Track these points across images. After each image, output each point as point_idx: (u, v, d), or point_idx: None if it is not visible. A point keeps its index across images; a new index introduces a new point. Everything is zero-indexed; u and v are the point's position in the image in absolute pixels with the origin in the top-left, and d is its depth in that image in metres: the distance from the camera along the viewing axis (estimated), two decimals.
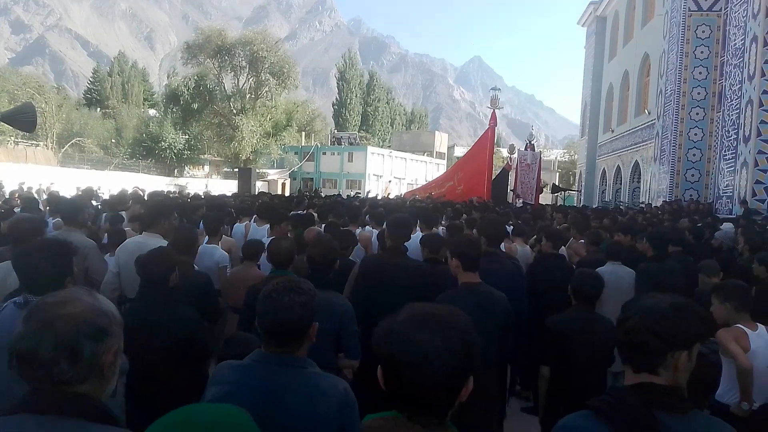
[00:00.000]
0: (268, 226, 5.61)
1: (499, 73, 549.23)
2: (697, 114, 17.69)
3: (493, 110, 20.67)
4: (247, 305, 3.13)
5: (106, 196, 12.39)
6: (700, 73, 17.61)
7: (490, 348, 3.01)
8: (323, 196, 18.22)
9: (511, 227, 6.75)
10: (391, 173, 47.00)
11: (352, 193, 24.35)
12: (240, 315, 3.33)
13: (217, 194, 15.66)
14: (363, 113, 75.96)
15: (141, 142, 41.17)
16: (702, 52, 17.59)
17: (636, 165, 23.65)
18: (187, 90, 35.34)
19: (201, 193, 16.12)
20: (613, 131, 27.52)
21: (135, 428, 1.33)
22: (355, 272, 3.87)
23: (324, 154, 47.74)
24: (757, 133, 12.60)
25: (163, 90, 42.72)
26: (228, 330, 3.81)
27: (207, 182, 35.95)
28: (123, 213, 6.70)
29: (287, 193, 31.96)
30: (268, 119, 36.56)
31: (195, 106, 35.79)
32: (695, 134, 17.76)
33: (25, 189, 15.54)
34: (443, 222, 7.34)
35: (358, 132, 63.41)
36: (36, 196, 13.30)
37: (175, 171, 40.78)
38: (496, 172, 20.98)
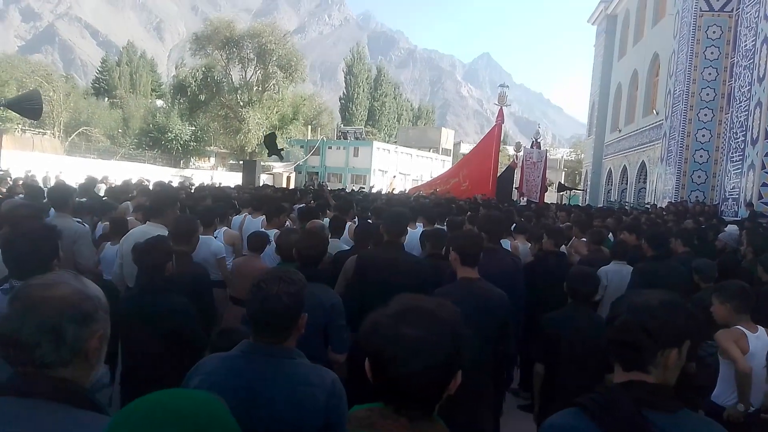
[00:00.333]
0: (263, 217, 5.60)
1: (508, 71, 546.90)
2: (706, 115, 17.56)
3: (501, 107, 20.62)
4: None
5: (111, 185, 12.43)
6: (710, 74, 17.46)
7: (485, 344, 2.99)
8: (329, 189, 18.22)
9: (514, 225, 6.75)
10: (396, 169, 46.96)
11: (357, 188, 24.36)
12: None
13: (217, 186, 15.66)
14: (370, 108, 75.85)
15: (148, 132, 41.26)
16: (712, 53, 17.44)
17: (642, 165, 23.52)
18: (195, 81, 35.43)
19: (205, 185, 16.14)
20: (620, 131, 27.36)
21: None
22: (347, 267, 3.87)
23: (330, 148, 47.75)
24: (765, 136, 12.49)
25: (171, 81, 42.77)
26: (226, 321, 3.83)
27: (212, 174, 36.04)
28: (128, 203, 6.72)
29: (292, 187, 31.96)
30: (274, 112, 36.62)
31: (202, 97, 35.88)
32: (703, 135, 17.64)
33: (31, 177, 15.60)
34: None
35: (365, 127, 63.36)
36: (42, 184, 13.36)
37: (181, 162, 40.87)
38: (501, 169, 20.93)
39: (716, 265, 4.51)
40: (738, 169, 13.78)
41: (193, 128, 40.52)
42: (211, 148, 44.69)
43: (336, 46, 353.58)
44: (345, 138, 49.95)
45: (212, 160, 47.17)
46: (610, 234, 7.23)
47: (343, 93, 77.11)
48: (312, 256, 3.02)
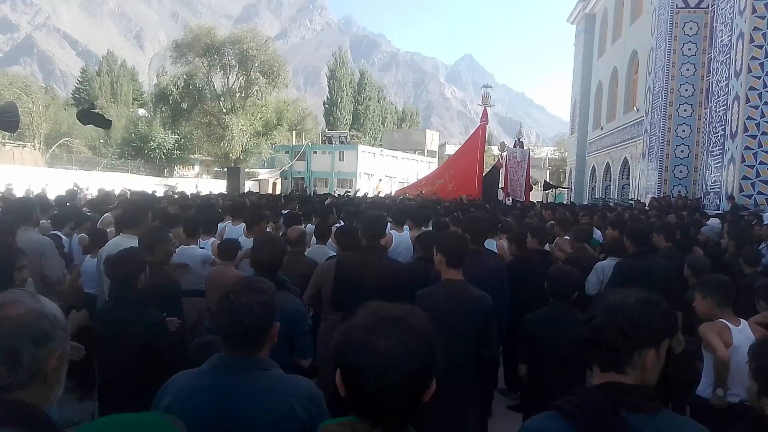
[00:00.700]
0: (244, 225, 5.54)
1: (490, 72, 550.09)
2: (685, 111, 17.77)
3: (485, 108, 20.68)
4: None
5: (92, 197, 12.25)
6: (688, 69, 17.68)
7: (468, 345, 2.98)
8: (313, 195, 18.13)
9: (500, 225, 6.75)
10: (382, 172, 46.95)
11: (343, 192, 24.29)
12: None
13: (194, 194, 15.47)
14: (354, 112, 75.88)
15: (130, 142, 40.81)
16: (690, 49, 17.67)
17: (625, 162, 23.74)
18: (176, 89, 35.14)
19: (189, 194, 15.98)
20: (602, 128, 27.62)
21: None
22: (318, 272, 3.83)
23: (315, 153, 47.63)
24: (744, 129, 12.66)
25: (153, 89, 42.40)
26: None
27: (197, 182, 35.72)
28: (109, 214, 6.62)
29: (278, 193, 31.82)
30: (258, 118, 36.42)
31: (184, 105, 35.59)
32: (683, 131, 17.85)
33: (13, 190, 15.33)
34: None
35: (349, 131, 63.32)
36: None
37: (165, 171, 40.50)
38: (487, 169, 21.00)
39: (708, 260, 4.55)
40: (718, 163, 13.96)
41: (176, 136, 40.18)
42: (195, 156, 44.32)
43: (318, 51, 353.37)
44: (330, 142, 49.85)
45: (197, 168, 46.80)
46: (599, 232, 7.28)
47: (327, 97, 77.06)
48: (267, 264, 2.94)
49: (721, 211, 11.94)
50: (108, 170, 33.81)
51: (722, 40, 14.19)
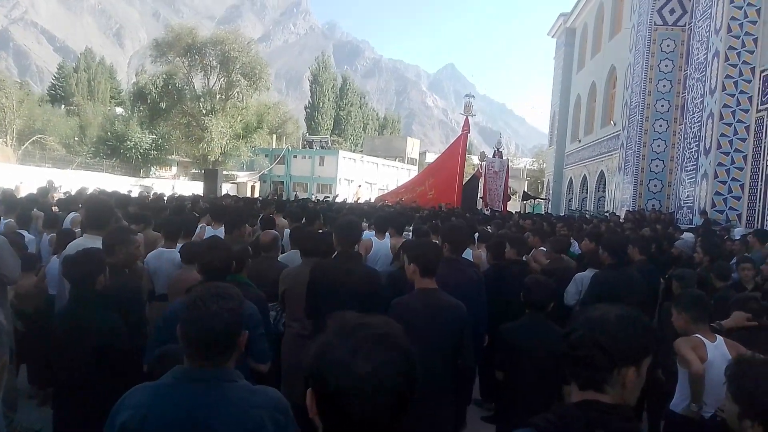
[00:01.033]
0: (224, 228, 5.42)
1: (472, 82, 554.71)
2: (661, 126, 18.12)
3: (466, 117, 20.81)
4: None
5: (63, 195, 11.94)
6: (664, 86, 18.04)
7: (442, 355, 2.94)
8: (285, 198, 17.95)
9: (477, 234, 6.75)
10: (362, 178, 46.91)
11: (322, 197, 24.14)
12: None
13: (170, 196, 15.16)
14: (336, 117, 75.78)
15: (105, 140, 40.03)
16: (666, 66, 18.04)
17: (601, 174, 24.09)
18: (155, 88, 34.67)
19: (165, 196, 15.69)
20: (580, 141, 28.01)
21: None
22: (282, 278, 3.75)
23: (295, 157, 47.38)
24: (717, 146, 12.93)
25: (131, 88, 41.75)
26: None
27: (174, 183, 35.19)
28: (76, 214, 6.44)
29: (256, 196, 31.51)
30: (238, 120, 36.11)
31: (163, 105, 35.13)
32: (658, 146, 18.18)
33: None
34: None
35: (330, 136, 63.17)
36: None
37: (141, 171, 39.82)
38: (467, 178, 21.10)
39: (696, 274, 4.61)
40: (692, 178, 14.22)
41: (154, 136, 39.57)
42: (173, 156, 43.70)
43: (301, 55, 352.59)
44: (311, 147, 49.65)
45: (174, 169, 46.14)
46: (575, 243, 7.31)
47: (309, 102, 76.82)
48: (216, 268, 2.84)
49: (693, 226, 12.16)
50: (82, 169, 33.10)
51: (698, 58, 14.50)
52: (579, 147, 27.98)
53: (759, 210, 12.02)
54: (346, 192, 38.78)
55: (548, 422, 1.26)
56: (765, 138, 11.98)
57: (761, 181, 12.01)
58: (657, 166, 18.22)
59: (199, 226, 6.52)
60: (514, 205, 29.37)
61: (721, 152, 12.92)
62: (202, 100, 35.71)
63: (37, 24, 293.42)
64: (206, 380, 1.57)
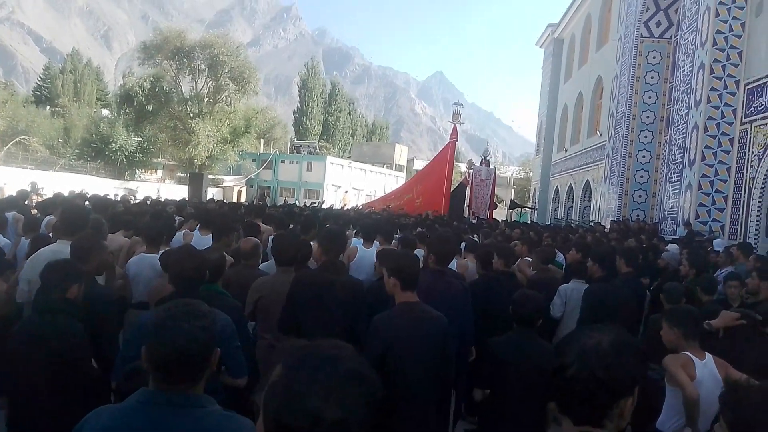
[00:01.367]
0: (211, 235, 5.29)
1: (460, 90, 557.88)
2: (646, 137, 18.27)
3: (455, 125, 20.85)
4: None
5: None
6: (650, 97, 18.21)
7: (426, 369, 2.86)
8: (269, 205, 17.78)
9: (464, 243, 6.67)
10: (349, 184, 46.81)
11: (309, 203, 24.01)
12: None
13: (154, 200, 14.92)
14: (324, 123, 75.63)
15: (90, 142, 39.52)
16: (652, 78, 18.22)
17: (587, 184, 24.23)
18: (142, 91, 34.33)
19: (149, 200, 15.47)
20: (566, 151, 28.18)
21: None
22: (253, 287, 3.64)
23: (282, 162, 47.15)
24: (701, 158, 13.04)
25: (118, 90, 41.30)
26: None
27: (159, 187, 34.82)
28: (52, 217, 6.29)
29: (242, 201, 31.26)
30: (226, 124, 35.85)
31: (150, 107, 34.77)
32: (643, 156, 18.33)
33: None
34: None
35: (318, 141, 63.04)
36: None
37: (126, 174, 39.35)
38: (454, 186, 21.09)
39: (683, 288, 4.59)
40: (676, 189, 14.33)
41: (140, 139, 39.15)
42: (159, 159, 43.25)
43: (291, 60, 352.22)
44: (298, 152, 49.47)
45: (159, 172, 45.67)
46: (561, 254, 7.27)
47: (297, 107, 76.63)
48: (190, 278, 2.71)
49: (677, 236, 12.22)
50: (66, 171, 32.65)
51: (684, 70, 14.65)
52: (565, 156, 28.15)
53: (742, 222, 12.13)
54: (333, 198, 38.65)
55: None
56: (749, 150, 12.10)
57: (744, 193, 12.12)
58: (642, 176, 18.36)
59: (183, 232, 6.40)
60: (500, 214, 29.44)
61: (705, 164, 13.02)
62: (189, 103, 35.43)
63: (24, 24, 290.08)
64: (174, 405, 1.46)
